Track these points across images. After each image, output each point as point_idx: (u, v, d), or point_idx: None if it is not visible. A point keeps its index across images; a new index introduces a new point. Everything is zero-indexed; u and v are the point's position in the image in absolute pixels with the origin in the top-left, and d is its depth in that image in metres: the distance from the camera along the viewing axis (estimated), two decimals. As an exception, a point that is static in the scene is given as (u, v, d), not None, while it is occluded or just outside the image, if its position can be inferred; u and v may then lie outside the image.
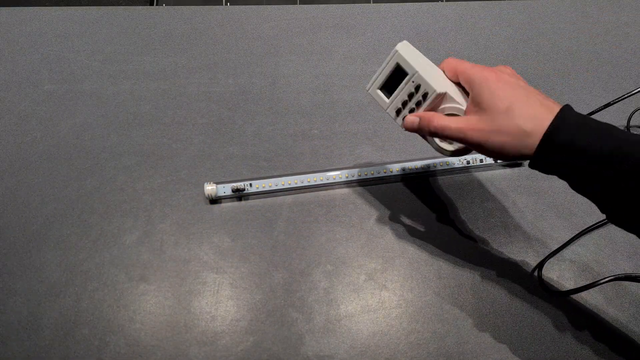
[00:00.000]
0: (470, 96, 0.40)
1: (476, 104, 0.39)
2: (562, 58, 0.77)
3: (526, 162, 0.61)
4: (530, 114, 0.36)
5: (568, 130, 0.35)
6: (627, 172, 0.33)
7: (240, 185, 0.58)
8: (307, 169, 0.62)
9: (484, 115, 0.38)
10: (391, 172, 0.60)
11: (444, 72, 0.44)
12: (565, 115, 0.36)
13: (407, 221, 0.57)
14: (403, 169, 0.60)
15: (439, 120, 0.41)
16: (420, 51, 0.45)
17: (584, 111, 0.63)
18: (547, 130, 0.35)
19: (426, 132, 0.42)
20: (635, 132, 0.63)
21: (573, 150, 0.35)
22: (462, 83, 0.42)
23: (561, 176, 0.38)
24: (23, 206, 0.59)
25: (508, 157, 0.38)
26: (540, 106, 0.37)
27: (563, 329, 0.48)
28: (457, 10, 0.87)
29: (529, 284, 0.51)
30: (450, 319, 0.49)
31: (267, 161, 0.63)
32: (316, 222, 0.57)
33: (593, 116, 0.63)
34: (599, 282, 0.49)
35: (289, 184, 0.59)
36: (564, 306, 0.50)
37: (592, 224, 0.55)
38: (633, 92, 0.61)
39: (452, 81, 0.43)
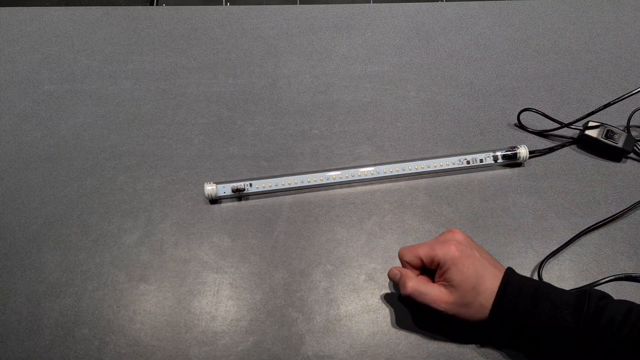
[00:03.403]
0: (438, 272, 0.44)
1: (446, 280, 0.43)
2: (562, 58, 0.77)
3: (526, 162, 0.61)
4: (488, 289, 0.42)
5: (510, 297, 0.41)
6: (561, 336, 0.39)
7: (240, 185, 0.58)
8: (307, 169, 0.62)
9: (455, 291, 0.43)
10: (391, 172, 0.60)
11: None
12: (508, 280, 0.42)
13: (407, 221, 0.57)
14: (403, 169, 0.60)
15: (414, 284, 0.44)
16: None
17: (584, 111, 0.64)
18: (494, 300, 0.41)
19: (401, 291, 0.45)
20: (635, 133, 0.63)
21: (515, 315, 0.41)
22: (428, 264, 0.45)
23: (512, 337, 0.45)
24: (23, 206, 0.59)
25: (468, 323, 0.43)
26: (492, 277, 0.42)
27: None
28: (457, 10, 0.87)
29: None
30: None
31: (267, 161, 0.63)
32: (316, 222, 0.57)
33: (593, 116, 0.64)
34: (599, 282, 0.49)
35: (289, 184, 0.59)
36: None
37: (592, 224, 0.55)
38: (633, 92, 0.61)
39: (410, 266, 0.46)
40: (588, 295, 0.40)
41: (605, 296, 0.41)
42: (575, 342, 0.39)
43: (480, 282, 0.42)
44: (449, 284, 0.43)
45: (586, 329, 0.38)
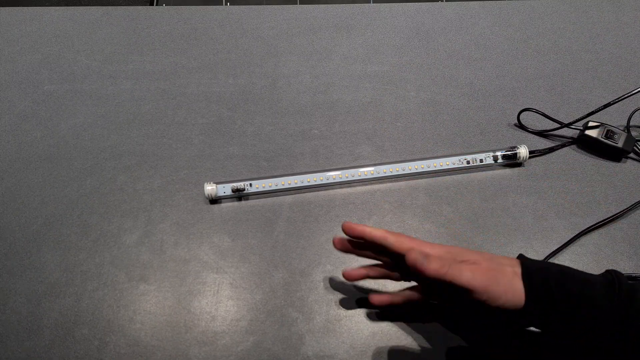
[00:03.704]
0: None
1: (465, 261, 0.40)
2: (562, 58, 0.77)
3: (526, 162, 0.61)
4: (506, 262, 0.39)
5: (536, 274, 0.38)
6: (597, 315, 0.36)
7: (240, 185, 0.58)
8: (307, 169, 0.62)
9: (482, 262, 0.39)
10: (391, 172, 0.60)
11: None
12: (525, 263, 0.39)
13: (407, 221, 0.57)
14: (403, 169, 0.60)
15: (442, 260, 0.38)
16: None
17: (584, 111, 0.64)
18: (522, 273, 0.38)
19: (427, 266, 0.38)
20: (635, 133, 0.63)
21: (549, 292, 0.37)
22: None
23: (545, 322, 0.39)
24: (23, 206, 0.59)
25: (497, 311, 0.38)
26: (507, 258, 0.40)
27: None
28: (457, 10, 0.87)
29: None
30: (451, 319, 0.49)
31: (267, 161, 0.63)
32: (316, 222, 0.57)
33: (593, 116, 0.64)
34: (599, 282, 0.49)
35: (289, 184, 0.59)
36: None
37: (592, 224, 0.55)
38: (633, 92, 0.61)
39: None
40: (615, 275, 0.38)
41: (628, 277, 0.39)
42: (611, 322, 0.36)
43: (498, 258, 0.40)
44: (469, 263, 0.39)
45: (621, 307, 0.36)
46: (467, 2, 0.89)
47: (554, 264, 0.40)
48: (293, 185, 0.59)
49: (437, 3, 0.90)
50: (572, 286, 0.37)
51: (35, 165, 0.64)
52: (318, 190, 0.60)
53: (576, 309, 0.37)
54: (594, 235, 0.55)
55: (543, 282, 0.37)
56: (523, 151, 0.60)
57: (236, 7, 0.91)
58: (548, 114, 0.64)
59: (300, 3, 1.72)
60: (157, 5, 1.88)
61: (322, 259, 0.54)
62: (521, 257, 0.41)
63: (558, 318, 0.37)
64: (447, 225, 0.56)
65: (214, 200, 0.59)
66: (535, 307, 0.37)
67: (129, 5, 1.16)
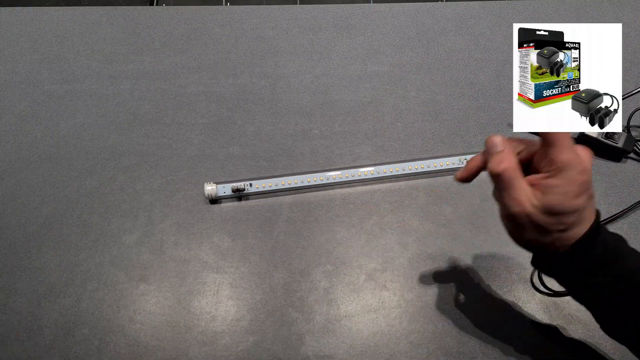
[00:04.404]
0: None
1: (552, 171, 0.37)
2: (562, 58, 0.77)
3: (526, 162, 0.61)
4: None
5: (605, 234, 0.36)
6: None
7: (240, 185, 0.58)
8: (307, 169, 0.62)
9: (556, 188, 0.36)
10: (391, 172, 0.60)
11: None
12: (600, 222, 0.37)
13: (407, 221, 0.57)
14: (403, 169, 0.60)
15: (513, 165, 0.36)
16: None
17: (584, 111, 0.63)
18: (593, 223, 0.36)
19: (490, 166, 0.37)
20: (635, 133, 0.63)
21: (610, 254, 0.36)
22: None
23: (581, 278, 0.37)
24: (23, 206, 0.59)
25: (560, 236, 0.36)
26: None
27: (564, 329, 0.48)
28: (457, 10, 0.87)
29: (530, 284, 0.51)
30: (450, 319, 0.49)
31: (267, 161, 0.63)
32: (316, 222, 0.57)
33: (593, 116, 0.63)
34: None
35: (289, 184, 0.59)
36: (565, 306, 0.50)
37: (592, 224, 0.55)
38: (633, 92, 0.61)
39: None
40: None
41: None
42: None
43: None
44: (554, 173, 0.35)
45: None
46: (467, 2, 0.89)
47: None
48: (293, 185, 0.59)
49: (437, 3, 0.90)
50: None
51: (35, 165, 0.64)
52: (318, 190, 0.60)
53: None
54: (594, 235, 0.55)
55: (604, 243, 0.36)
56: (523, 151, 0.60)
57: (236, 7, 0.91)
58: (548, 114, 0.64)
59: (300, 3, 1.72)
60: (157, 5, 1.88)
61: (322, 259, 0.54)
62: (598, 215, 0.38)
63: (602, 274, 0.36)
64: (447, 225, 0.56)
65: (214, 200, 0.59)
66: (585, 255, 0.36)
67: (129, 5, 1.16)
